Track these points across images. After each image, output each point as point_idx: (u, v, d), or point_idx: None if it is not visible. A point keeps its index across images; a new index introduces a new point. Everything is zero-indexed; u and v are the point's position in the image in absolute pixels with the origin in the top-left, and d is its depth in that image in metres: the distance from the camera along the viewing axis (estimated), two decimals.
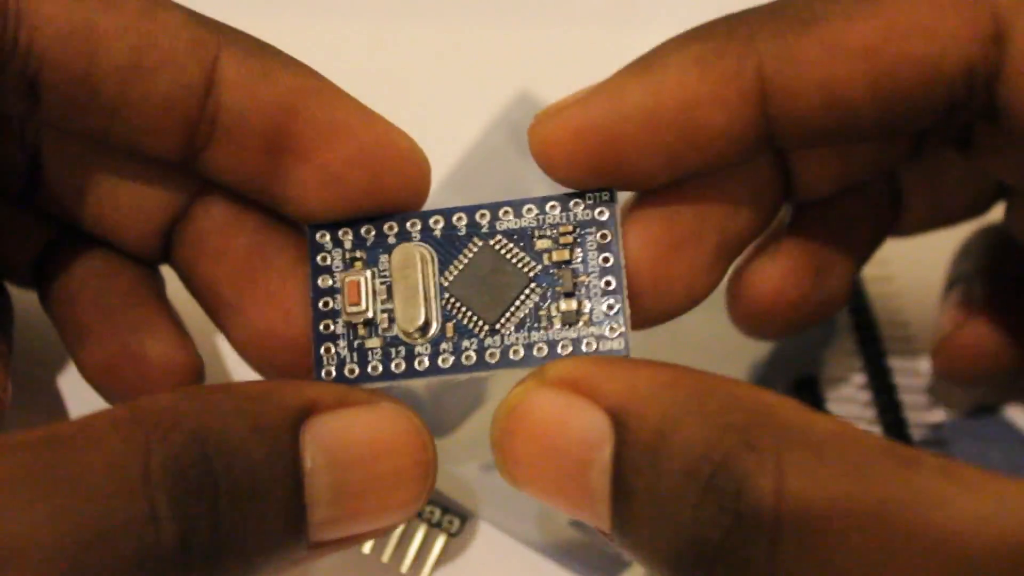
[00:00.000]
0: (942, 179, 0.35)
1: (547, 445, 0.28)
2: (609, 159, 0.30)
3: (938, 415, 0.39)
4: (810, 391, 0.39)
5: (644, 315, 0.32)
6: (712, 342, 0.38)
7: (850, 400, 0.40)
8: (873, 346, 0.40)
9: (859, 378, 0.40)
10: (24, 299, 0.35)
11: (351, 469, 0.28)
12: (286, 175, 0.30)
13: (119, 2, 0.29)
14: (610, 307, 0.30)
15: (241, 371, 0.35)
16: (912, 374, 0.40)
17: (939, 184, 0.36)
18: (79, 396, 0.35)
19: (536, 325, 0.30)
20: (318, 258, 0.31)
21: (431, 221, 0.31)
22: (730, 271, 0.34)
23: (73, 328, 0.33)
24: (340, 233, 0.31)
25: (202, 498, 0.25)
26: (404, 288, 0.30)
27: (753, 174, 0.33)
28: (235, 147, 0.30)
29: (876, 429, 0.39)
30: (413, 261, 0.30)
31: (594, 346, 0.30)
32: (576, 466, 0.27)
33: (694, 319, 0.36)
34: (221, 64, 0.30)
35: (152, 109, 0.30)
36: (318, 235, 0.31)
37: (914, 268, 0.40)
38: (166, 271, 0.35)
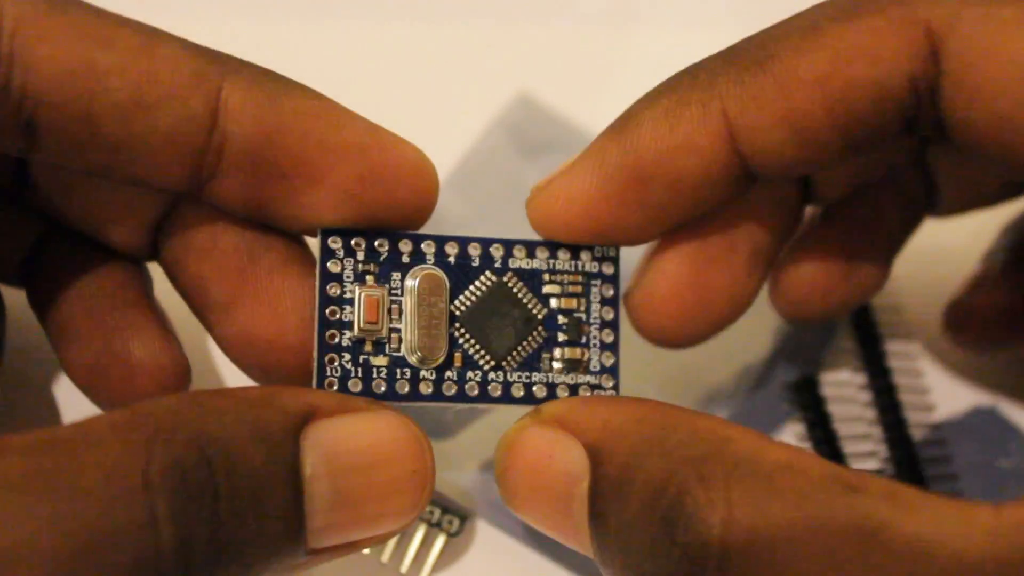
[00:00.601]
0: (973, 161, 0.35)
1: (535, 479, 0.30)
2: (601, 221, 0.31)
3: (939, 415, 0.39)
4: (810, 391, 0.39)
5: (692, 328, 0.34)
6: (715, 344, 0.38)
7: (850, 400, 0.40)
8: (874, 346, 0.40)
9: (859, 378, 0.40)
10: (17, 298, 0.35)
11: (350, 476, 0.28)
12: (297, 198, 0.31)
13: (117, 39, 0.29)
14: (607, 358, 0.32)
15: (229, 373, 0.35)
16: (913, 374, 0.40)
17: (970, 166, 0.36)
18: (71, 397, 0.35)
19: (538, 367, 0.32)
20: (328, 264, 0.31)
21: (446, 246, 0.31)
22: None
23: (59, 328, 0.33)
24: (352, 242, 0.31)
25: (202, 503, 0.25)
26: (428, 316, 0.31)
27: (774, 184, 0.34)
28: (244, 175, 0.30)
29: (877, 430, 0.39)
30: (441, 290, 0.31)
31: (589, 393, 0.32)
32: (560, 498, 0.29)
33: None
34: (225, 94, 0.30)
35: (157, 144, 0.30)
36: (330, 240, 0.31)
37: (915, 268, 0.40)
38: (154, 271, 0.35)
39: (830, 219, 0.36)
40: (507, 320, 0.32)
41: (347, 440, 0.28)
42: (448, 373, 0.31)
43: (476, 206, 0.43)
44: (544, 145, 0.44)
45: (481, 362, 0.31)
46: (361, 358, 0.30)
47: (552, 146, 0.44)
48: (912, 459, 0.38)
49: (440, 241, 0.31)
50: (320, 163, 0.30)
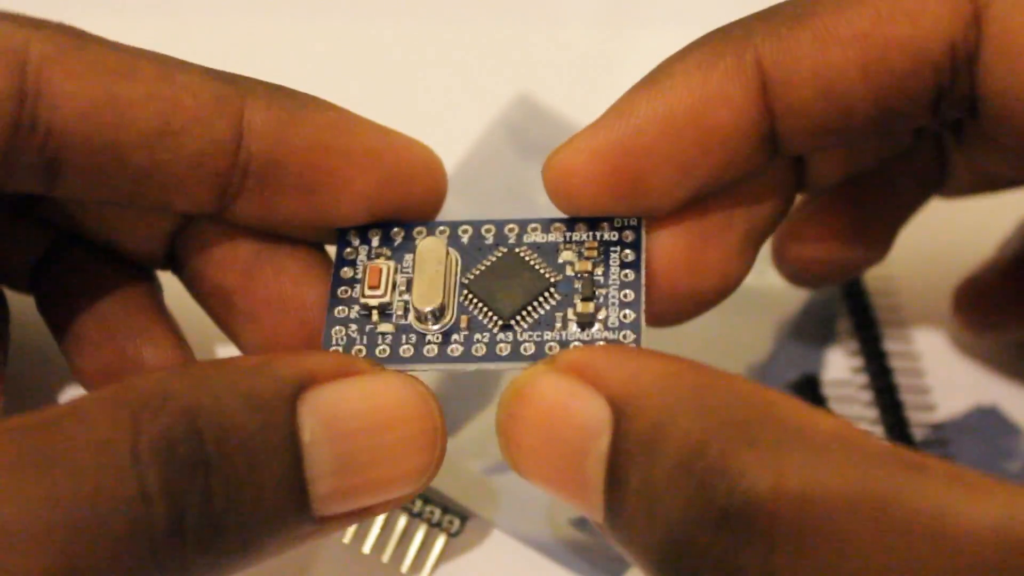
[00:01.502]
0: (985, 145, 0.35)
1: (547, 430, 0.28)
2: (627, 177, 0.30)
3: (939, 415, 0.39)
4: (811, 391, 0.39)
5: (681, 305, 0.32)
6: (715, 344, 0.38)
7: (851, 400, 0.39)
8: (874, 346, 0.40)
9: (860, 378, 0.40)
10: (22, 304, 0.35)
11: (354, 440, 0.28)
12: (318, 208, 0.31)
13: (136, 70, 0.29)
14: (626, 316, 0.30)
15: None
16: (914, 374, 0.40)
17: (983, 149, 0.36)
18: None
19: (551, 326, 0.30)
20: (345, 251, 0.32)
21: (459, 230, 0.32)
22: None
23: (70, 335, 0.33)
24: (368, 232, 0.32)
25: (193, 475, 0.25)
26: (425, 272, 0.31)
27: (772, 167, 0.33)
28: (267, 192, 0.31)
29: (878, 429, 0.39)
30: (439, 252, 0.31)
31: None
32: (574, 454, 0.27)
33: (695, 319, 0.36)
34: (247, 115, 0.30)
35: (183, 170, 0.30)
36: (349, 234, 0.32)
37: (916, 268, 0.40)
38: (163, 278, 0.35)
39: (839, 187, 0.36)
40: (516, 282, 0.31)
41: (348, 403, 0.28)
42: (454, 336, 0.30)
43: (477, 206, 0.43)
44: (544, 145, 0.44)
45: (489, 324, 0.30)
46: (367, 327, 0.31)
47: (552, 146, 0.44)
48: None
49: (454, 225, 0.32)
50: (341, 174, 0.31)
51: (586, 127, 0.31)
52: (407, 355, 0.30)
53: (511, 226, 0.32)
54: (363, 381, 0.28)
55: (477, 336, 0.30)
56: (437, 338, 0.30)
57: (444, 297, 0.30)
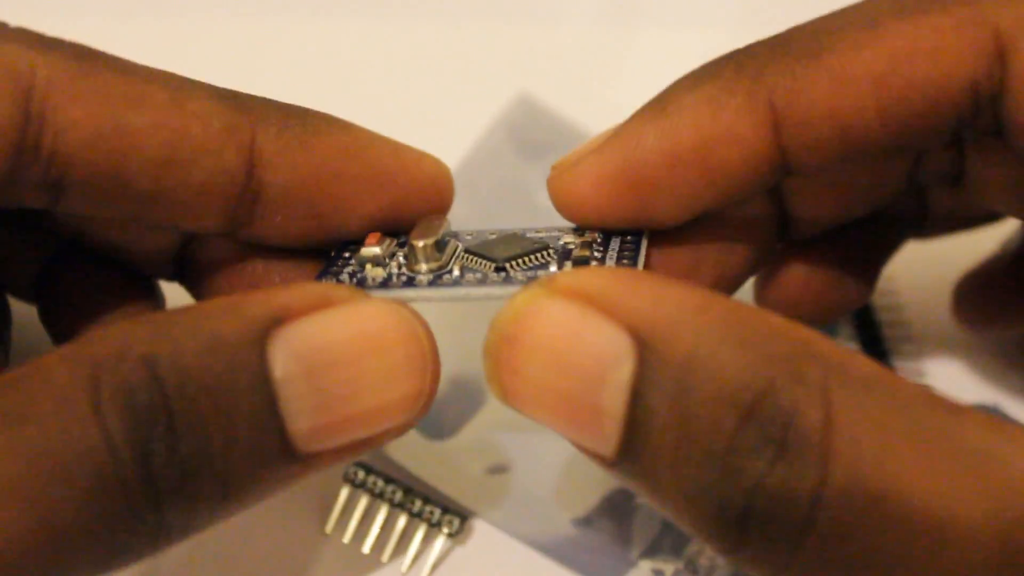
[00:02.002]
0: (963, 191, 0.35)
1: (554, 358, 0.26)
2: (631, 204, 0.30)
3: None
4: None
5: None
6: None
7: None
8: (875, 346, 0.40)
9: None
10: (24, 312, 0.35)
11: (332, 372, 0.27)
12: (330, 228, 0.31)
13: (146, 97, 0.29)
14: (622, 265, 0.30)
15: None
16: (916, 375, 0.40)
17: (959, 196, 0.36)
18: None
19: (545, 268, 0.30)
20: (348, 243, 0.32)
21: (466, 235, 0.32)
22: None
23: None
24: None
25: (155, 421, 0.25)
26: (427, 224, 0.31)
27: (749, 212, 0.33)
28: (280, 218, 0.31)
29: None
30: (440, 218, 0.31)
31: None
32: (586, 383, 0.26)
33: None
34: (258, 144, 0.30)
35: (190, 197, 0.30)
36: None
37: (917, 268, 0.40)
38: (166, 288, 0.35)
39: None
40: (515, 243, 0.31)
41: (323, 334, 0.27)
42: (446, 276, 0.30)
43: (477, 206, 0.43)
44: (545, 145, 0.44)
45: (482, 267, 0.30)
46: (359, 275, 0.31)
47: (552, 146, 0.44)
48: None
49: (458, 235, 0.32)
50: (352, 198, 0.31)
51: (592, 147, 0.31)
52: (397, 284, 0.30)
53: (515, 232, 0.32)
54: (341, 310, 0.27)
55: (468, 276, 0.30)
56: (428, 277, 0.30)
57: (441, 234, 0.31)
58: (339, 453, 0.28)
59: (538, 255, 0.30)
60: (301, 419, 0.26)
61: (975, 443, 0.24)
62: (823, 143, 0.30)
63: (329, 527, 0.35)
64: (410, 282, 0.30)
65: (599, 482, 0.37)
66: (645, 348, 0.25)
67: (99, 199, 0.30)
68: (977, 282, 0.39)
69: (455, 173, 0.43)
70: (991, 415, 0.24)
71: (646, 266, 0.31)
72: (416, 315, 0.28)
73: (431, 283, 0.30)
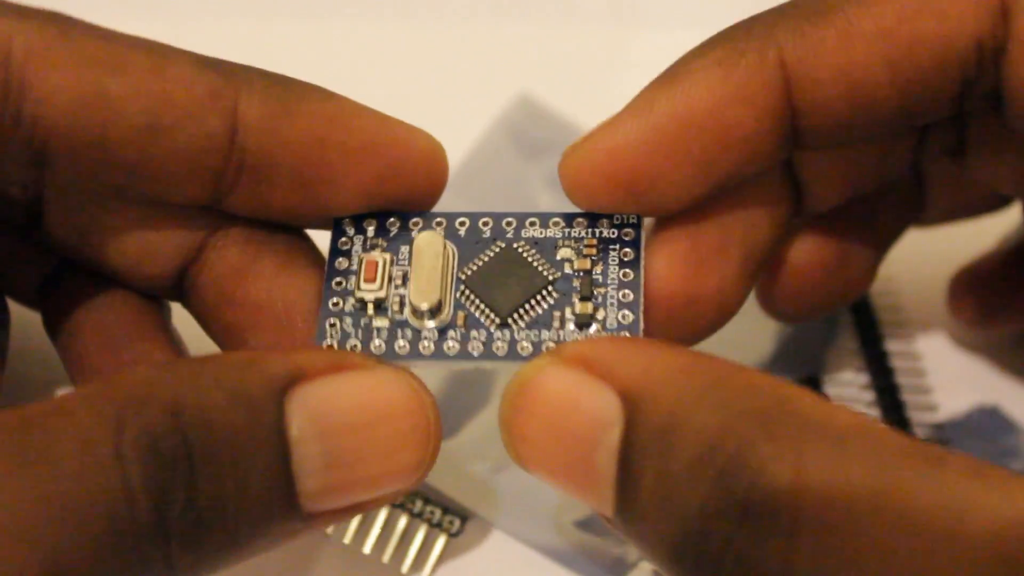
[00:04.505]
0: (965, 174, 0.35)
1: (555, 423, 0.27)
2: (646, 176, 0.30)
3: (941, 415, 0.39)
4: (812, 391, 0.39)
5: (679, 334, 0.32)
6: (716, 345, 0.37)
7: (853, 400, 0.39)
8: (876, 346, 0.40)
9: (862, 378, 0.40)
10: (27, 318, 0.35)
11: (343, 436, 0.27)
12: (316, 200, 0.31)
13: (128, 63, 0.29)
14: (624, 317, 0.30)
15: None
16: (915, 374, 0.40)
17: (960, 180, 0.36)
18: None
19: (549, 325, 0.30)
20: (339, 242, 0.31)
21: (456, 222, 0.31)
22: None
23: (75, 359, 0.33)
24: (364, 222, 0.32)
25: (176, 470, 0.25)
26: (423, 268, 0.30)
27: (767, 189, 0.33)
28: (264, 186, 0.30)
29: None
30: (436, 246, 0.31)
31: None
32: (583, 446, 0.27)
33: None
34: (241, 109, 0.29)
35: (174, 164, 0.29)
36: (344, 223, 0.32)
37: (916, 267, 0.40)
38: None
39: (822, 219, 0.36)
40: (514, 279, 0.30)
41: (337, 399, 0.27)
42: (451, 333, 0.30)
43: (477, 206, 0.42)
44: (545, 145, 0.44)
45: (486, 321, 0.30)
46: (363, 321, 0.30)
47: (553, 146, 0.44)
48: None
49: (451, 217, 0.32)
50: (337, 168, 0.30)
51: (603, 124, 0.30)
52: (403, 352, 0.30)
53: (508, 220, 0.31)
54: (354, 376, 0.28)
55: (474, 333, 0.30)
56: (433, 334, 0.30)
57: (441, 293, 0.30)
58: (338, 514, 0.28)
59: (540, 299, 0.30)
60: (310, 479, 0.27)
61: (953, 494, 0.23)
62: (833, 103, 0.30)
63: (329, 528, 0.35)
64: (416, 339, 0.30)
65: None
66: (633, 410, 0.26)
67: (84, 171, 0.29)
68: (973, 278, 0.39)
69: (456, 173, 0.43)
70: (976, 461, 0.24)
71: (647, 269, 0.31)
72: (423, 387, 0.29)
73: (437, 347, 0.30)
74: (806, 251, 0.36)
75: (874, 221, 0.36)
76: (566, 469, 0.27)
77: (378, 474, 0.28)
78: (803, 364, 0.40)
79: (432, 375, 0.32)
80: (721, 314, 0.32)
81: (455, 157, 0.43)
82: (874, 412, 0.39)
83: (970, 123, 0.33)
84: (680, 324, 0.32)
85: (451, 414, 0.38)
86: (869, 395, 0.39)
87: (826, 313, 0.37)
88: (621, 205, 0.31)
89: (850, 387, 0.40)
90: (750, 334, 0.39)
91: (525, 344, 0.30)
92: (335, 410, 0.27)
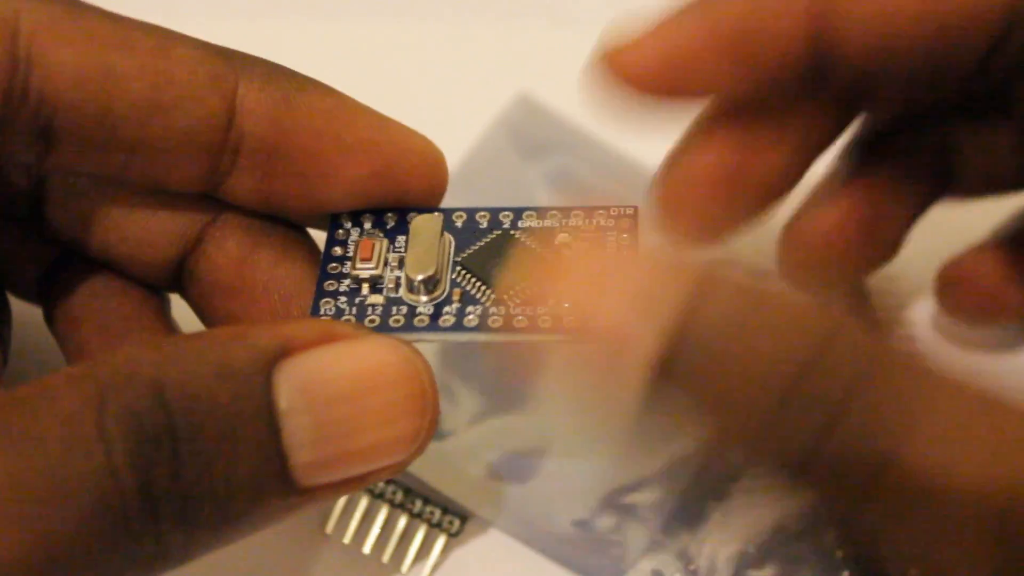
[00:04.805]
0: (996, 145, 0.35)
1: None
2: (702, 73, 0.31)
3: None
4: None
5: (725, 218, 0.33)
6: None
7: None
8: None
9: None
10: (28, 313, 0.35)
11: (333, 407, 0.27)
12: (311, 193, 0.31)
13: (133, 42, 0.29)
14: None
15: None
16: None
17: (992, 150, 0.36)
18: None
19: (544, 301, 0.30)
20: (336, 233, 0.31)
21: (453, 216, 0.32)
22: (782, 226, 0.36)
23: (75, 351, 0.33)
24: (361, 218, 0.32)
25: (160, 446, 0.25)
26: (419, 244, 0.30)
27: (817, 105, 0.33)
28: (258, 173, 0.30)
29: None
30: (434, 226, 0.31)
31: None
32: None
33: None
34: (241, 94, 0.30)
35: (174, 145, 0.30)
36: (341, 217, 0.32)
37: (916, 265, 0.40)
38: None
39: (854, 174, 0.36)
40: (511, 260, 0.30)
41: (327, 369, 0.27)
42: (446, 308, 0.30)
43: (478, 205, 0.43)
44: (545, 145, 0.44)
45: (481, 297, 0.30)
46: (357, 299, 0.30)
47: (553, 146, 0.44)
48: None
49: (448, 212, 0.32)
50: (333, 160, 0.30)
51: (658, 22, 0.31)
52: (397, 324, 0.30)
53: (506, 212, 0.32)
54: (345, 345, 0.27)
55: (469, 308, 0.30)
56: (428, 309, 0.30)
57: (437, 268, 0.30)
58: (335, 488, 0.28)
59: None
60: (301, 452, 0.26)
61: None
62: (867, 36, 0.31)
63: (329, 528, 0.35)
64: (411, 314, 0.30)
65: (598, 483, 0.37)
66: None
67: (87, 148, 0.29)
68: (962, 271, 0.38)
69: (456, 173, 0.43)
70: None
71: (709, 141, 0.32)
72: (418, 354, 0.28)
73: (432, 322, 0.30)
74: (832, 216, 0.36)
75: (903, 189, 0.36)
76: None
77: (373, 445, 0.28)
78: None
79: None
80: (767, 201, 0.33)
81: (455, 157, 0.43)
82: None
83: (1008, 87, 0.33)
84: (726, 208, 0.33)
85: (451, 414, 0.38)
86: None
87: (848, 280, 0.37)
88: (667, 89, 0.31)
89: None
90: None
91: (521, 318, 0.29)
92: (325, 380, 0.27)
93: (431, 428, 0.28)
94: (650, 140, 0.43)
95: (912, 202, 0.37)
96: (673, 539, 0.36)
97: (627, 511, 0.36)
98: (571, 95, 0.45)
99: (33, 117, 0.29)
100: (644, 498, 0.37)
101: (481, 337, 0.30)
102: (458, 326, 0.29)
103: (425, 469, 0.36)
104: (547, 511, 0.36)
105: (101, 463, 0.24)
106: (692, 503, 0.37)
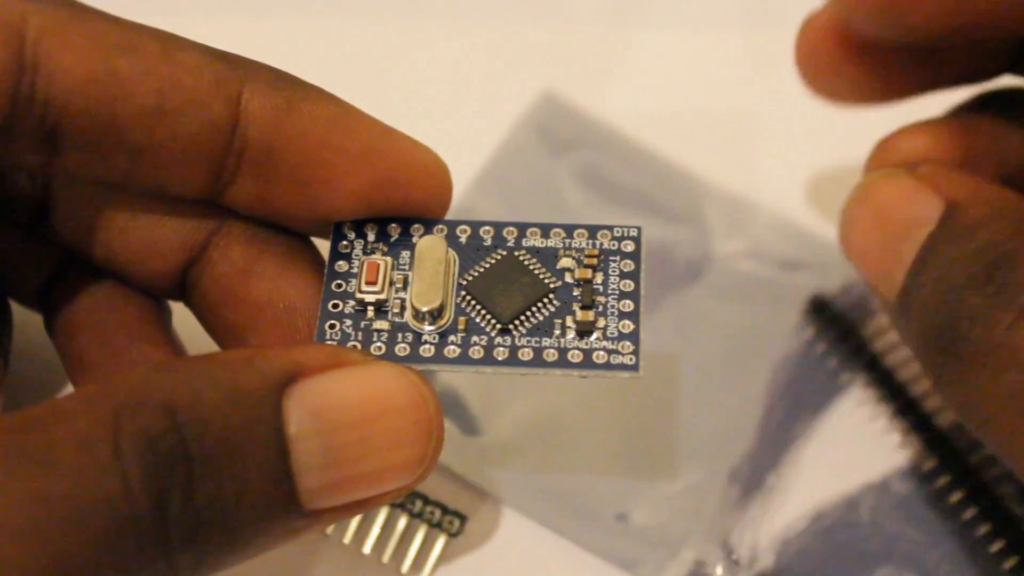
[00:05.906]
0: None
1: (885, 212, 0.33)
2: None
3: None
4: (822, 311, 0.40)
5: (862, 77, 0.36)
6: (716, 345, 0.37)
7: (867, 410, 0.39)
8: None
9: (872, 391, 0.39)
10: (29, 318, 0.35)
11: (342, 432, 0.27)
12: (313, 201, 0.31)
13: (138, 46, 0.29)
14: (625, 326, 0.30)
15: None
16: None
17: None
18: None
19: (549, 332, 0.30)
20: (339, 245, 0.31)
21: (458, 229, 0.32)
22: None
23: (75, 360, 0.33)
24: (365, 227, 0.32)
25: (174, 469, 0.25)
26: (424, 271, 0.30)
27: None
28: (261, 180, 0.31)
29: (897, 426, 0.38)
30: (438, 251, 0.31)
31: (605, 359, 0.30)
32: (898, 235, 0.32)
33: (700, 309, 0.36)
34: (245, 99, 0.30)
35: (178, 150, 0.30)
36: (344, 227, 0.32)
37: None
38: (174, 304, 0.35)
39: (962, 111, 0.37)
40: (515, 286, 0.30)
41: (335, 395, 0.27)
42: (451, 337, 0.30)
43: (506, 204, 0.43)
44: (570, 142, 0.44)
45: (487, 327, 0.30)
46: (362, 323, 0.30)
47: (578, 142, 0.44)
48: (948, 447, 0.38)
49: (452, 225, 0.32)
50: (336, 168, 0.31)
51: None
52: (403, 354, 0.30)
53: (509, 228, 0.32)
54: (353, 371, 0.28)
55: (474, 338, 0.30)
56: (434, 338, 0.30)
57: (443, 297, 0.30)
58: (341, 511, 0.28)
59: (541, 306, 0.30)
60: (309, 476, 0.27)
61: None
62: None
63: (330, 528, 0.35)
64: (417, 343, 0.30)
65: (638, 476, 0.37)
66: (949, 215, 0.31)
67: (93, 152, 0.30)
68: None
69: (484, 171, 0.43)
70: None
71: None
72: (424, 381, 0.29)
73: (438, 351, 0.30)
74: (925, 135, 0.36)
75: (1003, 136, 0.36)
76: (877, 254, 0.33)
77: (379, 470, 0.28)
78: (821, 356, 0.40)
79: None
80: (895, 81, 0.36)
81: (483, 155, 0.43)
82: (887, 409, 0.38)
83: None
84: (898, 16, 0.33)
85: (484, 409, 0.38)
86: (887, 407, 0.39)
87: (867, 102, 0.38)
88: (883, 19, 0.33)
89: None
90: (766, 328, 0.39)
91: (526, 351, 0.30)
92: (334, 406, 0.27)
93: (436, 453, 0.29)
94: (674, 136, 0.43)
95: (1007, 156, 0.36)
96: (714, 531, 0.36)
97: (667, 504, 0.37)
98: (595, 92, 0.45)
99: (38, 121, 0.29)
100: (686, 488, 0.37)
101: (487, 370, 0.30)
102: (463, 357, 0.30)
103: (461, 463, 0.37)
104: (588, 505, 0.36)
105: (117, 486, 0.25)
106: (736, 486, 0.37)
